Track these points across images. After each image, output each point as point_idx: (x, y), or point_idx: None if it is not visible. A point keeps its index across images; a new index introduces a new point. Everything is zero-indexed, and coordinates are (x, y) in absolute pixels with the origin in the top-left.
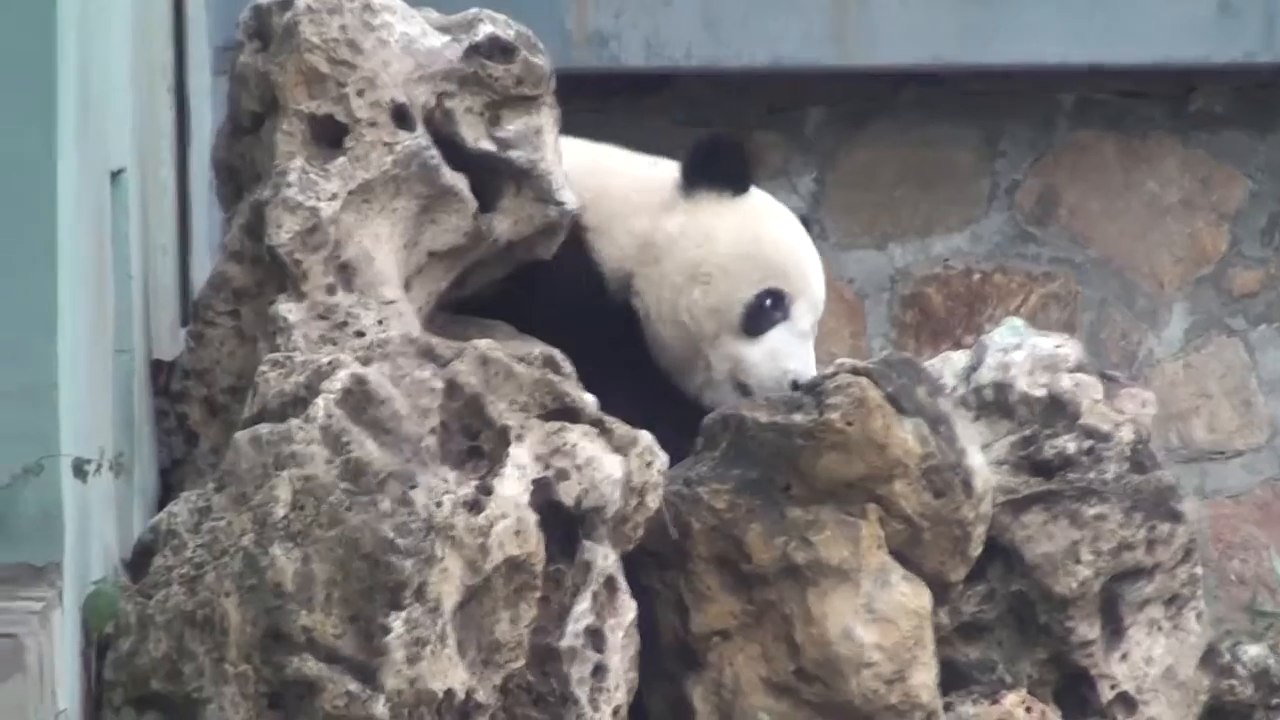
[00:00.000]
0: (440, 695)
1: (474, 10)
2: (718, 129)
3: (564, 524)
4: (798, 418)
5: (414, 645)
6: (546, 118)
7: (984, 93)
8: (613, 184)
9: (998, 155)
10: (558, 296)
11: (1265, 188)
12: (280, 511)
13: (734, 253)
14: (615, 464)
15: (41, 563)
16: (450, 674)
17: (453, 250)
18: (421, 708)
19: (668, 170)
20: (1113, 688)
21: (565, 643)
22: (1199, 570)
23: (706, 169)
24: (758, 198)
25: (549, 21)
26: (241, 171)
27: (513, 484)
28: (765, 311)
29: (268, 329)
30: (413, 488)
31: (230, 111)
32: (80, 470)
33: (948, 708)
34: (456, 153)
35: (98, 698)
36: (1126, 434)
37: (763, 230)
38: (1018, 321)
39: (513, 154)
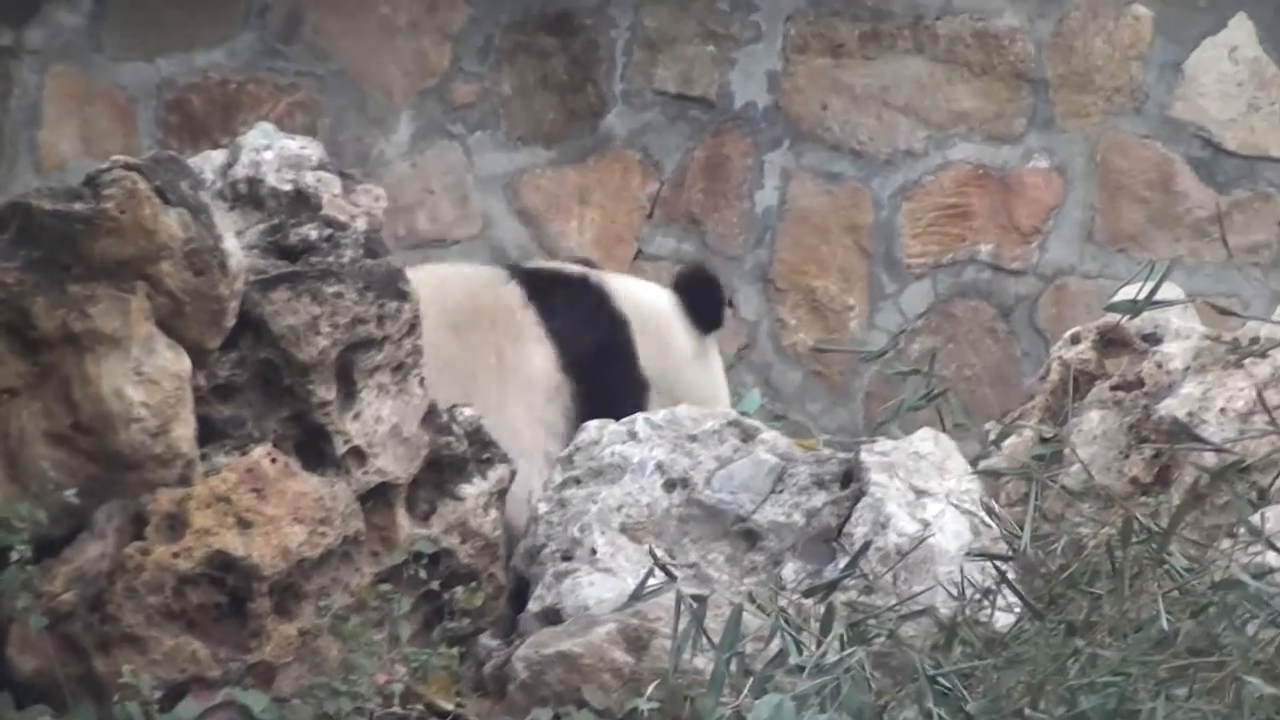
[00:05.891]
0: None
1: None
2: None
3: None
4: (78, 206)
5: None
6: None
7: None
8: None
9: None
10: None
11: (483, 12)
12: None
13: None
14: None
15: None
16: None
17: None
18: None
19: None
20: (346, 442)
21: None
22: (421, 342)
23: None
24: None
25: None
26: None
27: None
28: None
29: None
30: None
31: None
32: None
33: (205, 458)
34: None
35: None
36: (361, 224)
37: None
38: (268, 126)
39: None
